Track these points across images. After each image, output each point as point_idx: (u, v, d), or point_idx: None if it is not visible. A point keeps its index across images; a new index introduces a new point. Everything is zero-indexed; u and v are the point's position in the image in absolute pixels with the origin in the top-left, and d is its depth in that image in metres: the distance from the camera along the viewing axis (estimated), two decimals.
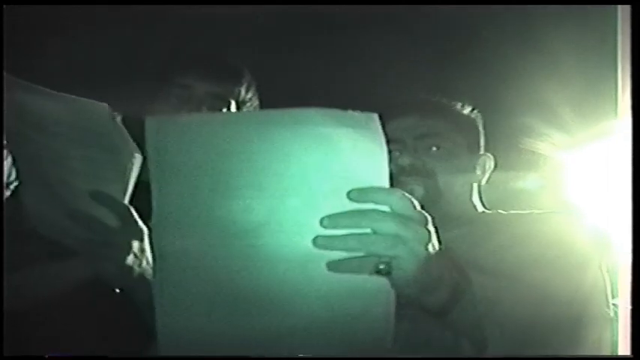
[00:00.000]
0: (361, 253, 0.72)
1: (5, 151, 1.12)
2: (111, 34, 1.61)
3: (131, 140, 0.93)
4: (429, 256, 0.72)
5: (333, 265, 0.72)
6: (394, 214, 0.71)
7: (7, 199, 1.24)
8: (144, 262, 1.01)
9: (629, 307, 0.99)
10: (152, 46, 1.67)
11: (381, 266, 0.71)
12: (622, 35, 1.20)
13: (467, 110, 1.28)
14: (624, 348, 1.04)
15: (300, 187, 0.72)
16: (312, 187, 0.72)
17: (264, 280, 0.75)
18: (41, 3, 1.50)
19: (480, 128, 1.29)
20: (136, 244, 1.00)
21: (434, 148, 1.19)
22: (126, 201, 0.98)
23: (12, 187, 1.22)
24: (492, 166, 1.27)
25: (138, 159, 0.93)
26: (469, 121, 1.27)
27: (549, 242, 0.98)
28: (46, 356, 0.98)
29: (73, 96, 0.92)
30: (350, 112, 0.72)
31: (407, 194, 0.73)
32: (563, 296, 0.93)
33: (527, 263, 0.91)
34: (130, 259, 0.99)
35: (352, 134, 0.71)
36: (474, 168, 1.24)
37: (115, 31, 1.61)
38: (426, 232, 0.73)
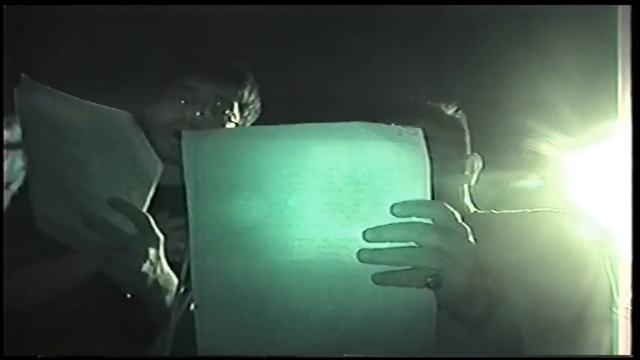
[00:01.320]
0: (407, 267, 0.72)
1: (6, 151, 1.13)
2: (115, 36, 1.61)
3: (152, 148, 0.93)
4: (473, 269, 0.73)
5: (381, 278, 0.72)
6: (437, 227, 0.71)
7: (13, 197, 1.25)
8: (158, 270, 1.02)
9: (629, 307, 0.99)
10: (156, 47, 1.67)
11: (430, 279, 0.71)
12: (622, 35, 1.20)
13: (451, 111, 1.28)
14: (624, 348, 1.04)
15: (344, 202, 0.72)
16: (356, 202, 0.72)
17: (309, 297, 0.75)
18: (41, 3, 1.50)
19: (465, 128, 1.29)
20: (152, 252, 1.00)
21: None
22: (144, 209, 0.98)
23: (17, 186, 1.22)
24: (481, 165, 1.26)
25: (159, 167, 0.93)
26: (454, 122, 1.27)
27: (544, 241, 0.98)
28: (46, 356, 0.98)
29: (95, 103, 0.92)
30: (394, 126, 0.72)
31: (448, 206, 0.73)
32: (562, 297, 0.93)
33: (522, 264, 0.91)
34: (146, 266, 1.00)
35: (396, 148, 0.71)
36: (463, 169, 1.24)
37: (119, 33, 1.61)
38: (469, 244, 0.73)
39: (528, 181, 1.81)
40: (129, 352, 1.04)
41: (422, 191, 0.72)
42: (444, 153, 1.19)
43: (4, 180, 1.24)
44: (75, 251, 1.07)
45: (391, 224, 0.71)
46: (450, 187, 1.19)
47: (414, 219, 0.71)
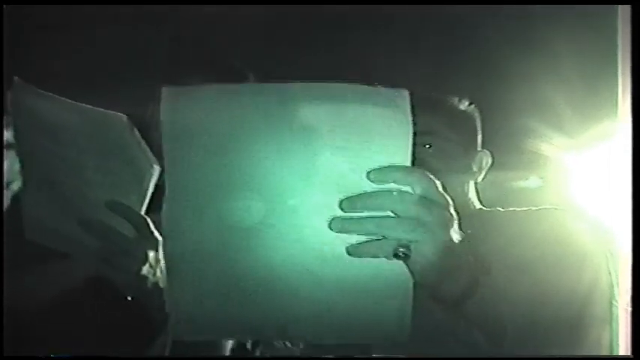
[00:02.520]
0: (380, 237, 0.68)
1: (6, 152, 1.12)
2: (115, 36, 1.61)
3: (149, 151, 0.93)
4: (450, 241, 0.69)
5: (352, 249, 0.69)
6: (415, 196, 0.68)
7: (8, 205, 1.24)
8: (158, 272, 1.02)
9: (629, 307, 0.99)
10: (157, 47, 1.67)
11: (400, 250, 0.67)
12: (622, 35, 1.20)
13: (463, 106, 1.26)
14: (624, 348, 1.04)
15: (320, 166, 0.69)
16: (332, 167, 0.69)
17: (279, 262, 0.72)
18: (41, 3, 1.50)
19: (478, 124, 1.27)
20: (151, 254, 1.00)
21: (427, 146, 1.17)
22: (142, 211, 0.98)
23: (12, 190, 1.22)
24: (490, 162, 1.24)
25: (156, 170, 0.92)
26: (465, 117, 1.25)
27: (548, 239, 0.96)
28: (46, 356, 0.98)
29: (91, 106, 0.92)
30: (379, 88, 0.69)
31: (429, 174, 0.70)
32: (563, 295, 0.93)
33: (527, 262, 0.90)
34: (146, 268, 1.00)
35: (379, 111, 0.68)
36: (471, 166, 1.22)
37: (119, 33, 1.61)
38: (448, 215, 0.69)
39: (529, 181, 1.81)
40: (129, 352, 1.04)
41: (402, 157, 0.68)
42: (452, 150, 1.18)
43: (4, 180, 1.24)
44: (68, 257, 1.07)
45: (366, 193, 0.68)
46: (456, 183, 1.17)
47: (393, 186, 0.68)
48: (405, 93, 0.69)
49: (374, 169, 0.68)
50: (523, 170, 1.79)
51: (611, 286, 1.00)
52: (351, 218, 0.68)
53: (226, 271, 0.74)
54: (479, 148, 1.25)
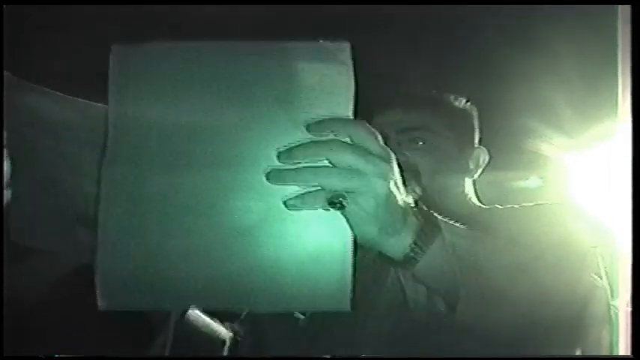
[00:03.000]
0: (317, 187, 0.67)
1: (5, 151, 1.12)
2: (114, 35, 1.61)
3: None
4: (389, 193, 0.68)
5: (290, 202, 0.68)
6: (353, 146, 0.67)
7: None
8: None
9: (629, 307, 0.99)
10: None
11: (336, 200, 0.66)
12: (622, 35, 1.20)
13: (460, 103, 1.26)
14: (624, 348, 1.04)
15: (261, 118, 0.69)
16: (273, 119, 0.69)
17: (216, 210, 0.71)
18: (41, 3, 1.50)
19: (475, 121, 1.27)
20: None
21: (420, 143, 1.16)
22: None
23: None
24: (487, 159, 1.24)
25: None
26: (461, 114, 1.25)
27: (548, 234, 0.95)
28: (46, 356, 0.98)
29: (88, 101, 0.92)
30: (321, 42, 0.70)
31: (369, 126, 0.69)
32: (562, 295, 0.92)
33: (527, 260, 0.89)
34: None
35: (319, 67, 0.69)
36: (467, 162, 1.22)
37: (118, 32, 1.61)
38: (388, 167, 0.68)
39: (529, 181, 1.81)
40: (129, 352, 1.04)
41: (344, 111, 0.68)
42: (445, 146, 1.18)
43: (4, 180, 1.23)
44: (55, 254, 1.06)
45: (303, 143, 0.67)
46: (450, 179, 1.17)
47: (332, 137, 0.68)
48: (346, 46, 0.69)
49: (313, 122, 0.68)
50: (523, 170, 1.79)
51: (611, 286, 1.00)
52: (289, 169, 0.68)
53: (160, 236, 0.73)
54: (476, 145, 1.25)
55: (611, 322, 1.03)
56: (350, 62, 0.69)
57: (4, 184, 1.18)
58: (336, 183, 0.67)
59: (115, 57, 0.73)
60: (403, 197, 0.71)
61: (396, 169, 0.70)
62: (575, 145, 1.69)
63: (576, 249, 0.96)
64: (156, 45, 0.74)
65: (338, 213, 0.69)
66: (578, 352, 0.96)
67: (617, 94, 1.24)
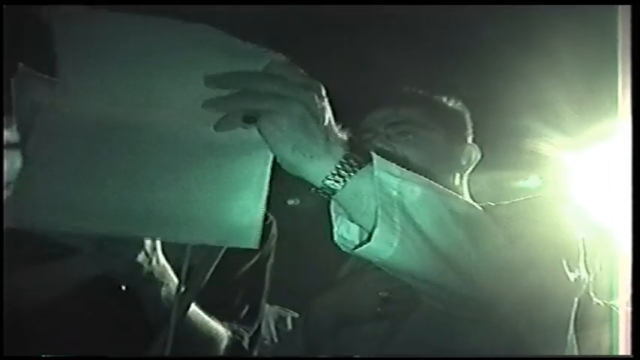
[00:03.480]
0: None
1: (6, 152, 1.12)
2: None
3: None
4: (304, 115, 0.71)
5: (217, 124, 0.73)
6: (276, 76, 0.71)
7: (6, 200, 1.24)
8: (154, 261, 1.01)
9: (629, 307, 0.99)
10: None
11: (249, 114, 0.70)
12: (622, 35, 1.20)
13: (451, 102, 1.27)
14: (624, 348, 1.04)
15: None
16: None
17: (140, 158, 0.75)
18: (41, 3, 1.50)
19: (467, 121, 1.28)
20: (148, 242, 1.00)
21: (410, 136, 1.17)
22: None
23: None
24: (479, 156, 1.25)
25: None
26: (451, 112, 1.26)
27: (541, 226, 0.94)
28: (46, 356, 0.98)
29: None
30: (248, 43, 0.74)
31: (292, 63, 0.73)
32: (560, 294, 0.92)
33: (521, 257, 0.87)
34: (142, 257, 0.99)
35: (233, 63, 0.73)
36: (457, 158, 1.22)
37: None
38: (308, 94, 0.71)
39: (529, 181, 1.81)
40: (129, 352, 1.04)
41: None
42: (434, 140, 1.19)
43: (4, 180, 1.23)
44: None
45: (229, 72, 0.72)
46: (440, 173, 1.17)
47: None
48: (282, 56, 0.74)
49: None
50: (523, 170, 1.79)
51: (611, 286, 1.00)
52: (216, 98, 0.72)
53: (83, 166, 0.75)
54: (468, 142, 1.25)
55: (612, 322, 1.03)
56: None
57: (5, 183, 1.18)
58: (253, 103, 0.71)
59: (60, 26, 0.79)
60: (328, 126, 0.73)
61: (320, 100, 0.73)
62: (574, 144, 1.70)
63: (561, 239, 0.95)
64: (99, 13, 0.78)
65: (257, 158, 0.74)
66: (547, 333, 0.95)
67: (616, 93, 1.24)
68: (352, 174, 0.74)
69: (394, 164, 0.76)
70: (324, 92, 0.73)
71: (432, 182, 0.79)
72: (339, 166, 0.73)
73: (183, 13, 0.78)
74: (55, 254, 1.05)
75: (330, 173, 0.73)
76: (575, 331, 0.99)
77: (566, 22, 1.58)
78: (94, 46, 0.76)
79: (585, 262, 0.96)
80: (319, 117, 0.72)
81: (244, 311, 1.16)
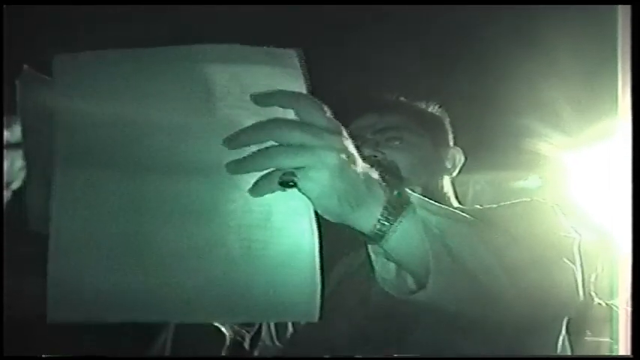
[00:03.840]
0: (271, 169, 0.67)
1: (6, 152, 1.12)
2: (114, 35, 1.61)
3: None
4: (341, 163, 0.66)
5: (252, 190, 0.67)
6: (297, 122, 0.67)
7: (9, 200, 1.24)
8: None
9: (629, 307, 0.99)
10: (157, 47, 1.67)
11: (285, 177, 0.65)
12: (622, 35, 1.20)
13: (430, 108, 1.29)
14: (624, 348, 1.04)
15: (217, 123, 0.68)
16: (230, 122, 0.68)
17: (178, 213, 0.68)
18: (41, 3, 1.50)
19: (447, 124, 1.30)
20: None
21: (396, 142, 1.18)
22: None
23: (14, 187, 1.21)
24: (463, 159, 1.26)
25: None
26: (432, 118, 1.28)
27: (528, 230, 0.94)
28: (46, 356, 0.98)
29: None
30: (267, 48, 0.70)
31: (315, 99, 0.68)
32: (549, 290, 0.91)
33: (510, 259, 0.87)
34: None
35: (269, 71, 0.69)
36: (443, 161, 1.24)
37: (118, 32, 1.61)
38: (336, 139, 0.67)
39: (529, 181, 1.81)
40: (129, 352, 1.04)
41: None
42: (420, 144, 1.20)
43: (4, 180, 1.23)
44: None
45: (249, 126, 0.66)
46: (428, 176, 1.18)
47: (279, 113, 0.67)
48: (293, 53, 0.70)
49: (258, 94, 0.67)
50: (523, 170, 1.79)
51: (612, 286, 1.00)
52: (243, 157, 0.66)
53: (112, 246, 0.68)
54: (451, 145, 1.27)
55: (612, 322, 1.03)
56: (299, 67, 0.69)
57: (5, 183, 1.18)
58: (286, 161, 0.66)
59: (58, 65, 0.73)
60: (362, 169, 0.70)
61: (347, 141, 0.69)
62: (574, 144, 1.70)
63: (553, 241, 0.94)
64: (100, 53, 0.73)
65: (305, 218, 0.68)
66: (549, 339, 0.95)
67: (616, 93, 1.24)
68: (400, 217, 0.71)
69: (425, 198, 0.75)
70: (345, 132, 0.70)
71: (456, 212, 0.78)
72: (384, 210, 0.71)
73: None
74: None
75: (377, 220, 0.71)
76: (569, 332, 0.99)
77: (566, 22, 1.58)
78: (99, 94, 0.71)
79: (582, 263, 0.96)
80: (352, 160, 0.69)
81: None
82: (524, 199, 1.05)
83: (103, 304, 0.68)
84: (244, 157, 0.66)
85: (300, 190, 0.67)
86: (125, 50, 0.72)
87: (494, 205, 1.06)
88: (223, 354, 1.11)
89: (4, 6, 1.14)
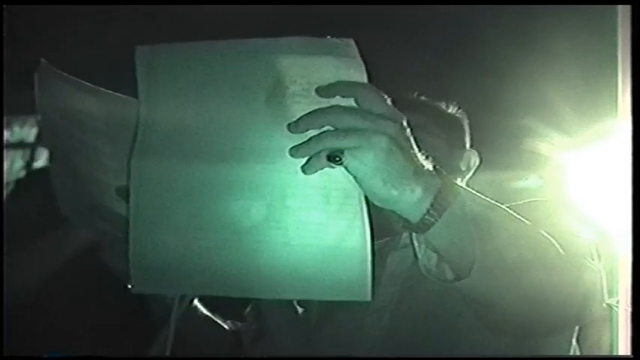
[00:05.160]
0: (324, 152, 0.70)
1: (6, 152, 1.13)
2: (115, 34, 1.61)
3: None
4: (389, 147, 0.69)
5: (305, 167, 0.71)
6: (353, 108, 0.70)
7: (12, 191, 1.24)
8: None
9: (629, 307, 0.99)
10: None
11: (332, 154, 0.69)
12: (622, 35, 1.20)
13: (450, 109, 1.28)
14: (624, 348, 1.04)
15: (284, 114, 0.72)
16: (294, 114, 0.72)
17: (242, 207, 0.74)
18: (41, 3, 1.50)
19: (465, 127, 1.28)
20: None
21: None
22: None
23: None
24: (478, 162, 1.25)
25: None
26: (450, 118, 1.27)
27: (551, 232, 0.95)
28: (46, 356, 0.98)
29: (109, 91, 0.92)
30: (328, 38, 0.72)
31: (376, 89, 0.71)
32: (561, 295, 0.92)
33: (523, 261, 0.88)
34: None
35: (333, 61, 0.71)
36: (457, 163, 1.23)
37: (119, 31, 1.61)
38: (390, 124, 0.70)
39: (529, 181, 1.81)
40: (129, 351, 1.04)
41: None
42: (435, 145, 1.19)
43: (4, 180, 1.24)
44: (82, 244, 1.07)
45: (308, 112, 0.70)
46: None
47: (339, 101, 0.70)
48: (352, 42, 0.72)
49: (321, 86, 0.71)
50: (523, 170, 1.79)
51: (610, 286, 1.00)
52: (301, 142, 0.71)
53: (191, 224, 0.76)
54: (467, 148, 1.26)
55: (612, 322, 1.03)
56: (358, 55, 0.72)
57: (5, 183, 1.18)
58: (335, 143, 0.69)
59: (140, 57, 0.76)
60: (414, 157, 0.72)
61: (404, 130, 0.72)
62: (574, 144, 1.70)
63: (566, 240, 0.95)
64: (177, 45, 0.76)
65: (356, 201, 0.72)
66: (573, 342, 0.96)
67: (616, 93, 1.24)
68: (447, 207, 0.72)
69: (474, 191, 0.77)
70: (405, 122, 0.72)
71: (502, 206, 0.80)
72: (433, 201, 0.72)
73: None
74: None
75: (425, 209, 0.72)
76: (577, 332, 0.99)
77: (566, 22, 1.58)
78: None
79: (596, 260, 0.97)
80: (404, 148, 0.71)
81: (247, 310, 1.17)
82: (536, 199, 1.06)
83: (182, 276, 0.77)
84: (303, 142, 0.70)
85: (346, 168, 0.70)
86: (203, 42, 0.76)
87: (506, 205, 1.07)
88: (224, 352, 1.11)
89: (4, 6, 1.15)
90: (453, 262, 0.77)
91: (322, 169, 0.71)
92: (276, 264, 0.74)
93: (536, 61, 1.66)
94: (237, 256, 0.75)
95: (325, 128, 0.70)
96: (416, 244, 0.78)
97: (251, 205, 0.74)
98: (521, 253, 0.78)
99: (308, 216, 0.73)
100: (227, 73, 0.74)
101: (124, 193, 0.95)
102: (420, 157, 0.73)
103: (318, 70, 0.71)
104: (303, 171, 0.72)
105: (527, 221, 0.83)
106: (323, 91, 0.71)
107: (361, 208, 0.72)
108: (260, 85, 0.73)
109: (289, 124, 0.71)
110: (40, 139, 1.02)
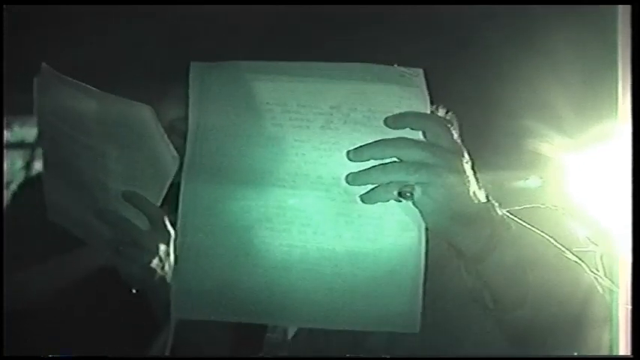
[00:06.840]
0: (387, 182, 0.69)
1: (5, 151, 1.12)
2: (118, 34, 1.61)
3: (171, 144, 0.93)
4: (459, 184, 0.69)
5: (365, 196, 0.70)
6: (422, 142, 0.69)
7: (26, 189, 1.24)
8: (166, 266, 1.02)
9: (629, 307, 0.99)
10: (157, 46, 1.67)
11: (404, 190, 0.68)
12: (622, 35, 1.20)
13: (439, 112, 1.29)
14: (624, 348, 1.04)
15: (341, 140, 0.71)
16: (352, 142, 0.71)
17: (296, 233, 0.74)
18: (41, 3, 1.50)
19: (456, 128, 1.29)
20: (162, 248, 1.00)
21: None
22: (159, 204, 0.98)
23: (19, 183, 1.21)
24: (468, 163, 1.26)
25: (177, 163, 0.92)
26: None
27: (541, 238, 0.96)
28: (46, 356, 0.98)
29: (116, 95, 0.92)
30: (396, 67, 0.72)
31: (443, 121, 0.71)
32: (561, 296, 0.92)
33: (524, 263, 0.89)
34: (155, 262, 1.00)
35: (397, 90, 0.71)
36: None
37: (121, 31, 1.61)
38: (458, 161, 0.70)
39: (528, 182, 1.81)
40: (129, 351, 1.04)
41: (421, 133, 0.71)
42: None
43: (4, 180, 1.24)
44: (83, 245, 1.07)
45: (373, 141, 0.70)
46: None
47: (407, 133, 0.70)
48: (421, 72, 0.73)
49: (390, 115, 0.70)
50: (523, 170, 1.79)
51: (602, 284, 1.00)
52: (362, 170, 0.70)
53: (240, 251, 0.75)
54: None
55: (612, 322, 1.03)
56: (425, 85, 0.73)
57: (4, 183, 1.18)
58: (404, 177, 0.68)
59: (194, 73, 0.75)
60: (476, 191, 0.72)
61: (467, 164, 0.72)
62: (575, 145, 1.69)
63: (571, 246, 0.96)
64: (233, 64, 0.76)
65: (414, 233, 0.72)
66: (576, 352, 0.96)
67: (616, 94, 1.24)
68: (501, 240, 0.73)
69: (521, 222, 0.77)
70: (466, 155, 0.72)
71: (547, 239, 0.81)
72: (490, 234, 0.72)
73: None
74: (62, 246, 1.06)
75: (483, 242, 0.72)
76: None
77: (566, 22, 1.58)
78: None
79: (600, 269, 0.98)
80: (470, 183, 0.71)
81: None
82: (537, 205, 1.06)
83: (227, 304, 0.75)
84: (365, 169, 0.70)
85: (414, 203, 0.69)
86: (258, 63, 0.75)
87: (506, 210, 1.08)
88: (226, 353, 1.11)
89: (4, 6, 1.15)
90: (499, 293, 0.77)
91: (387, 201, 0.70)
92: (325, 293, 0.74)
93: (536, 62, 1.66)
94: (285, 284, 0.74)
95: (388, 159, 0.69)
96: (465, 274, 0.78)
97: (302, 233, 0.73)
98: (562, 283, 0.80)
99: (360, 246, 0.73)
100: (281, 97, 0.73)
101: (132, 198, 0.95)
102: (479, 190, 0.73)
103: (380, 99, 0.71)
104: (363, 200, 0.71)
105: (563, 249, 0.83)
106: (391, 120, 0.70)
107: (419, 242, 0.72)
108: (316, 111, 0.72)
109: (348, 152, 0.70)
110: (37, 144, 1.02)
